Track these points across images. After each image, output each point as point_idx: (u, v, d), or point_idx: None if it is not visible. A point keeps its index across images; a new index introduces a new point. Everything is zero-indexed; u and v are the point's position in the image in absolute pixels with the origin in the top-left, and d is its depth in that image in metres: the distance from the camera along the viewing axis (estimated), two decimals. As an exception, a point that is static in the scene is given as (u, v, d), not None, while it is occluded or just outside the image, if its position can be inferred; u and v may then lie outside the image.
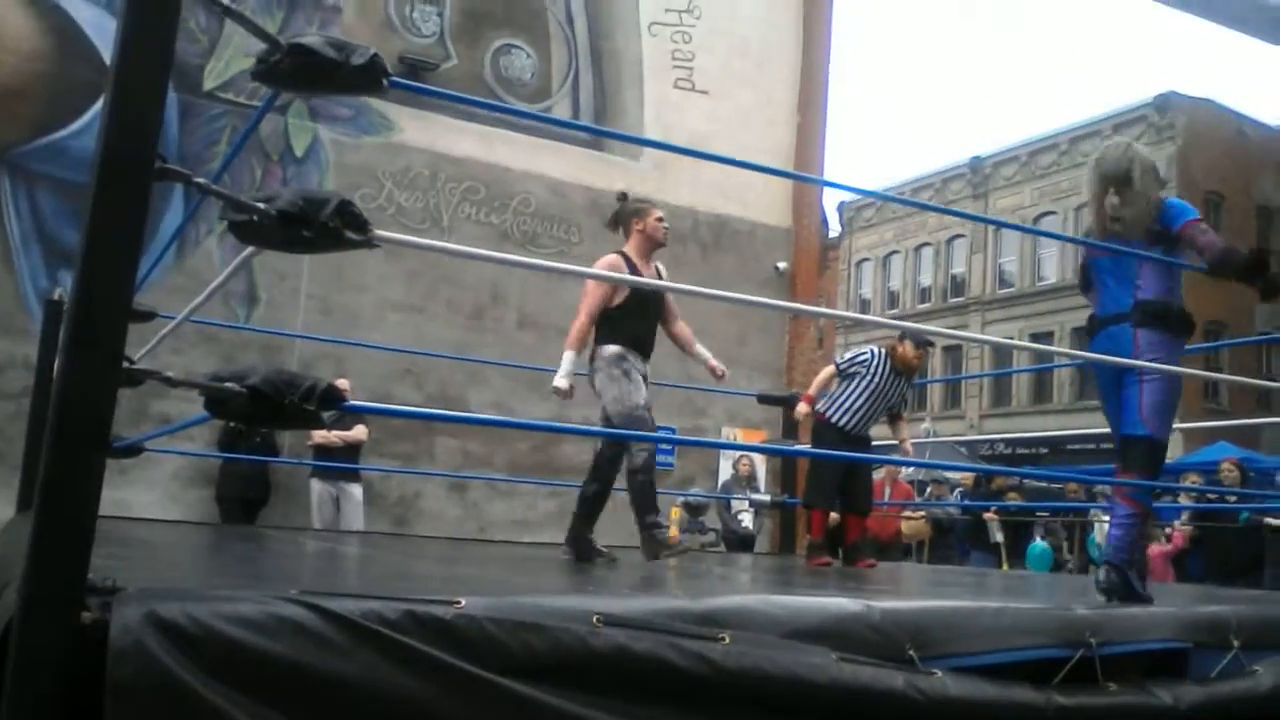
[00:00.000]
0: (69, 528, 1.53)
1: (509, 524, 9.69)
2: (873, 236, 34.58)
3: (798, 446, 6.63)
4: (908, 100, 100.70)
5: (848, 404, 5.95)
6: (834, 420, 5.96)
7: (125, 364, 1.71)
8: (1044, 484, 12.49)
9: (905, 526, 10.14)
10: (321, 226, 1.90)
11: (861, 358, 6.08)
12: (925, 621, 2.44)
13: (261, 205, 1.87)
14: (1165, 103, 26.43)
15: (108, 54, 8.34)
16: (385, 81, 2.09)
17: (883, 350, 6.05)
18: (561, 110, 11.12)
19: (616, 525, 10.03)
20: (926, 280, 33.08)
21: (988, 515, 10.12)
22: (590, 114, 11.25)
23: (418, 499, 9.73)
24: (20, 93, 8.67)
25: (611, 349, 4.86)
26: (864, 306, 33.92)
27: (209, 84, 9.38)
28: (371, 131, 10.03)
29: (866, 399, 5.92)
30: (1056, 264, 29.13)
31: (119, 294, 1.65)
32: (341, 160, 9.84)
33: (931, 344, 6.47)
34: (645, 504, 4.72)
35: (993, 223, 32.26)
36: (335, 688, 1.64)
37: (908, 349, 5.91)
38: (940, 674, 2.27)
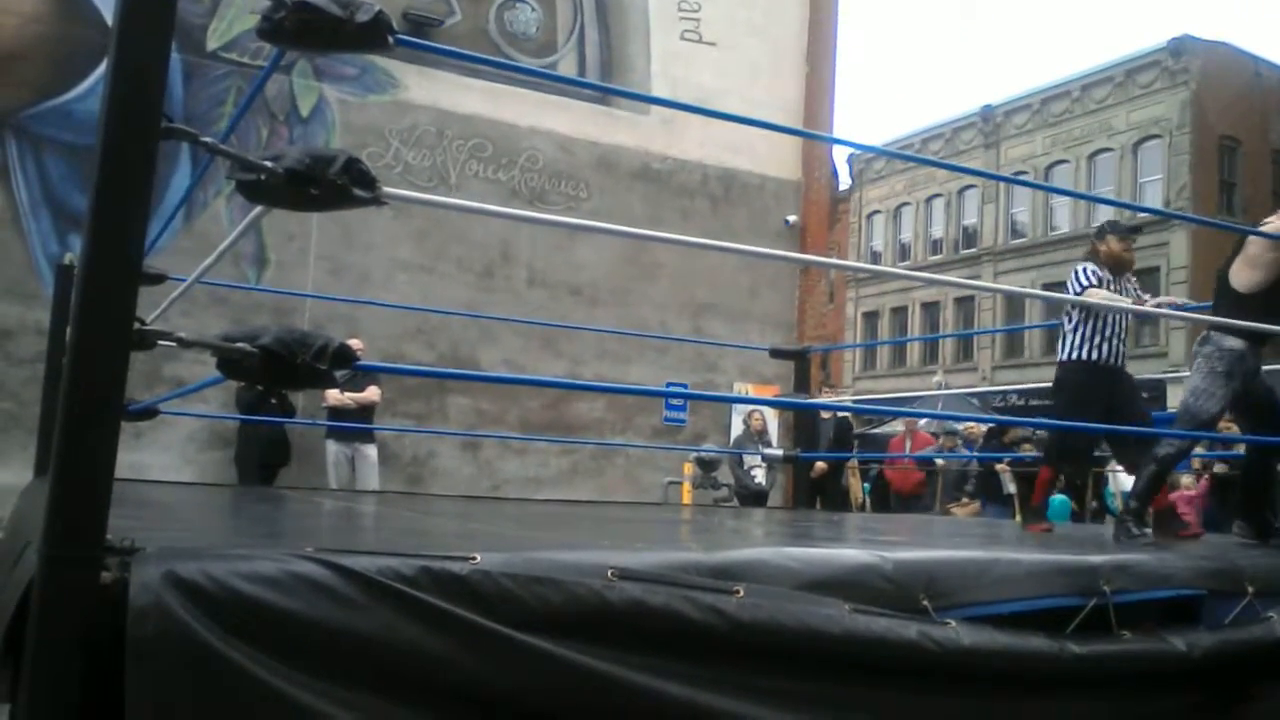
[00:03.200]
0: (86, 490, 1.54)
1: (522, 481, 9.76)
2: (883, 188, 34.34)
3: (809, 400, 6.61)
4: (918, 49, 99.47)
5: (1092, 334, 4.92)
6: (1083, 357, 4.91)
7: (137, 326, 1.71)
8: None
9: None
10: (329, 184, 1.89)
11: (1086, 279, 5.03)
12: (939, 572, 2.44)
13: (269, 164, 1.86)
14: (1180, 46, 26.05)
15: (109, 14, 8.24)
16: (391, 39, 2.07)
17: (1090, 267, 5.02)
18: (567, 65, 11.02)
19: (629, 483, 10.10)
20: (938, 232, 32.87)
21: (1000, 467, 10.13)
22: (596, 68, 11.16)
23: (431, 458, 9.79)
24: (22, 56, 8.62)
25: (1234, 343, 4.23)
26: (875, 259, 33.74)
27: (212, 44, 9.32)
28: (377, 90, 9.96)
29: (1106, 319, 4.91)
30: (1069, 214, 28.89)
31: (129, 256, 1.64)
32: (347, 119, 9.80)
33: (1138, 230, 5.34)
34: (1141, 490, 4.38)
35: (999, 179, 31.97)
36: (352, 643, 1.65)
37: (1112, 245, 5.02)
38: (954, 624, 2.28)
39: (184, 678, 1.49)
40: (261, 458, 8.48)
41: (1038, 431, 11.01)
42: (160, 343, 1.87)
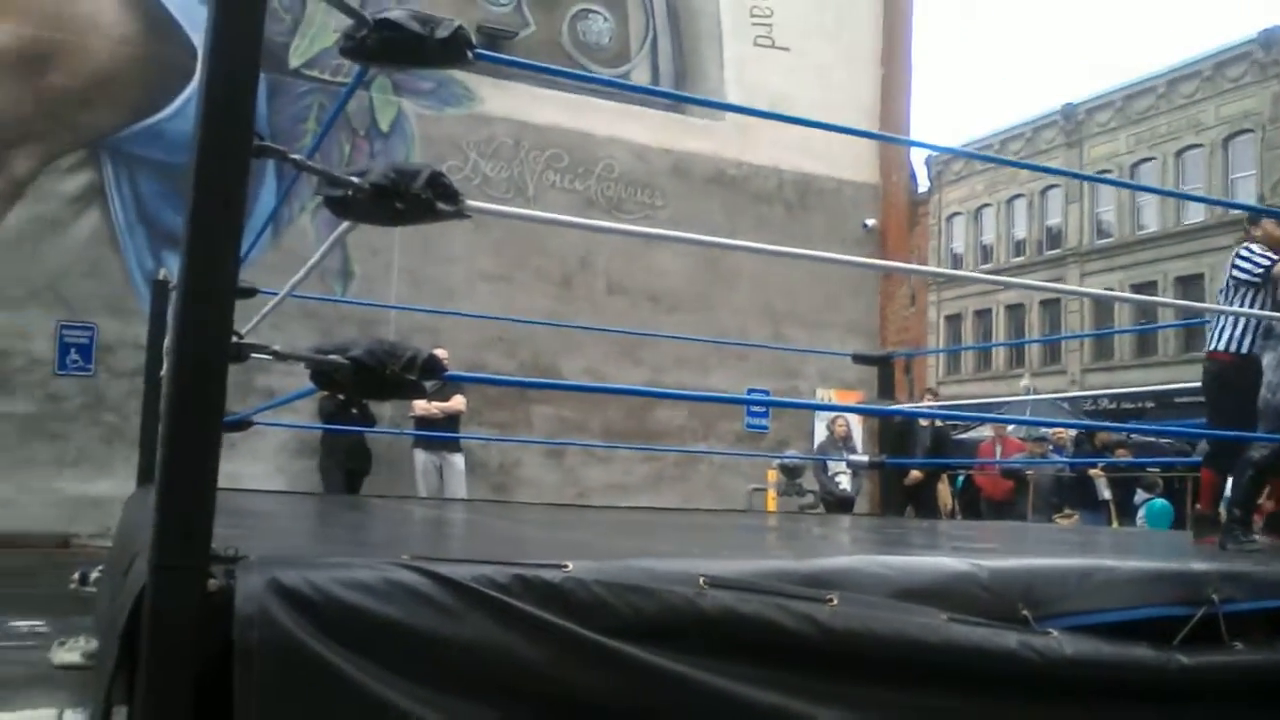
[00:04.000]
0: (191, 500, 1.57)
1: (607, 489, 9.79)
2: (963, 189, 33.79)
3: (894, 406, 6.51)
4: (996, 47, 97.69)
5: (1250, 324, 4.39)
6: (1242, 351, 4.39)
7: (234, 340, 1.74)
8: (1151, 439, 12.13)
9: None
10: (414, 198, 1.91)
11: (1262, 259, 4.43)
12: (1037, 580, 2.38)
13: (356, 180, 1.88)
14: (1271, 38, 25.18)
15: (196, 37, 8.46)
16: (470, 53, 2.09)
17: (1257, 246, 4.46)
18: (641, 74, 11.06)
19: (713, 490, 10.06)
20: (1021, 233, 32.23)
21: (1094, 472, 9.86)
22: (670, 76, 11.18)
23: (517, 467, 9.88)
24: (116, 79, 8.93)
25: None
26: (956, 262, 33.18)
27: (294, 62, 9.55)
28: (454, 103, 10.11)
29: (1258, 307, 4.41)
30: (1157, 212, 28.11)
31: (225, 272, 1.68)
32: (426, 133, 9.95)
33: None
34: (1241, 497, 4.26)
35: (1080, 177, 31.14)
36: (449, 650, 1.67)
37: (1269, 229, 4.46)
38: (1055, 634, 2.22)
39: (289, 682, 1.51)
40: (344, 466, 8.63)
41: (1131, 435, 10.72)
42: (254, 356, 1.91)
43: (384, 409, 8.84)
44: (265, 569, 1.58)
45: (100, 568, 4.65)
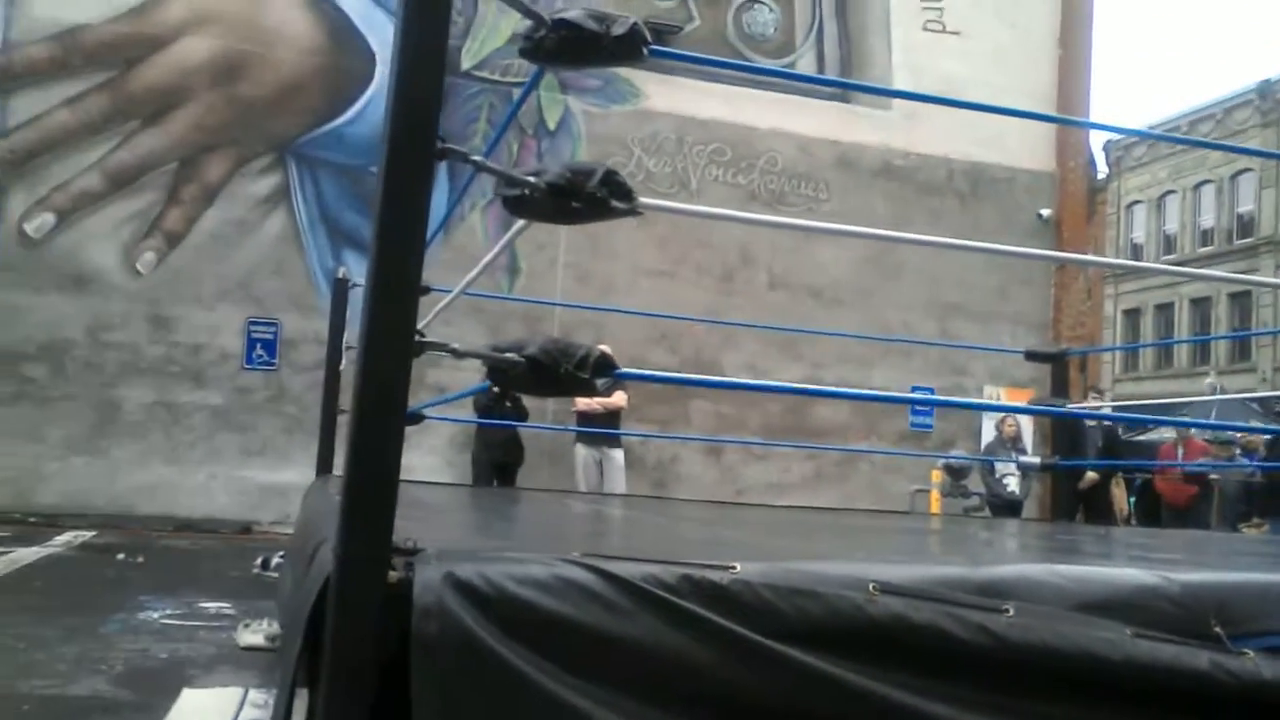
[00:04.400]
0: (375, 492, 1.63)
1: (765, 487, 9.74)
2: (1144, 176, 32.06)
3: (1065, 407, 6.23)
4: (1183, 21, 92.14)
5: None
6: None
7: (416, 338, 1.80)
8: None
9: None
10: (589, 197, 1.92)
11: None
12: (1232, 595, 2.23)
13: (532, 179, 1.91)
14: None
15: (374, 41, 8.78)
16: (645, 50, 2.10)
17: None
18: (806, 64, 10.94)
19: (873, 490, 9.87)
20: (1208, 221, 30.35)
21: (1287, 478, 9.22)
22: (836, 65, 11.01)
23: (675, 463, 9.92)
24: (301, 87, 9.40)
25: None
26: (1136, 253, 31.53)
27: (466, 64, 9.84)
28: (619, 100, 10.22)
29: None
30: (1365, 197, 26.03)
31: (410, 269, 1.74)
32: (592, 130, 10.10)
33: None
34: None
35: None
36: (618, 648, 1.68)
37: None
38: (1252, 655, 2.07)
39: (465, 675, 1.56)
40: (496, 459, 8.78)
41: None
42: (433, 352, 1.97)
43: (546, 404, 9.00)
44: (442, 562, 1.63)
45: (281, 554, 4.89)
